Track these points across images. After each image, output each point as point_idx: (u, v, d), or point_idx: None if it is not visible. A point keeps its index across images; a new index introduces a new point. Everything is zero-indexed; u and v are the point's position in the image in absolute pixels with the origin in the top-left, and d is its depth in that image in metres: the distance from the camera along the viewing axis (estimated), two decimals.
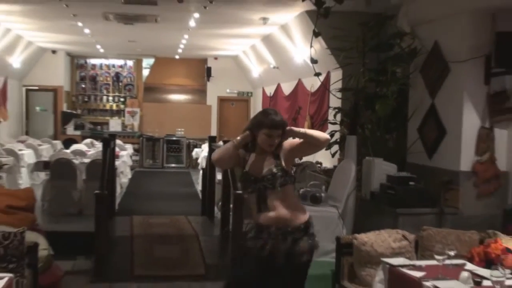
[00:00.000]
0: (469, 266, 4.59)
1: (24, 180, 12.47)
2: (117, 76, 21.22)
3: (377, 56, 7.64)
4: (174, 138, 18.88)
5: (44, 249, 5.59)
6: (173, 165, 18.67)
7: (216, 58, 20.15)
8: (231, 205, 7.33)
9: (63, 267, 6.38)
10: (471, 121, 6.24)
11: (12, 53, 16.14)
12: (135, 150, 18.41)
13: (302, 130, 4.22)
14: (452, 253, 4.36)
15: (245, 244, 4.20)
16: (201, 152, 15.37)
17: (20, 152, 12.81)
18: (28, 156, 13.31)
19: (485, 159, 6.20)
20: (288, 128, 4.14)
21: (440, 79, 6.61)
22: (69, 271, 6.66)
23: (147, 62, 21.25)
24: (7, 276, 4.12)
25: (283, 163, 4.14)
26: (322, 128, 11.17)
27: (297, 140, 4.23)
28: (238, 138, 4.15)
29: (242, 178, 4.20)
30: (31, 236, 5.25)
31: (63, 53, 19.64)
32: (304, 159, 9.58)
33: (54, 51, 19.21)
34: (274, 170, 4.08)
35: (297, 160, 8.77)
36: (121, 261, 7.07)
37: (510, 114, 6.18)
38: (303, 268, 4.28)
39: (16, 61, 16.78)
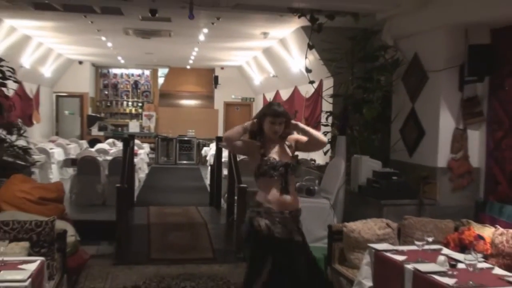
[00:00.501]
0: (445, 250, 4.58)
1: (54, 175, 12.47)
2: (136, 83, 21.20)
3: (364, 66, 7.63)
4: (186, 138, 18.85)
5: (72, 235, 5.59)
6: (184, 162, 18.63)
7: (222, 68, 20.14)
8: (236, 197, 7.31)
9: (88, 251, 6.38)
10: (447, 123, 6.22)
11: (44, 64, 16.13)
12: (151, 148, 18.41)
13: (306, 127, 4.24)
14: (430, 239, 4.36)
15: (255, 225, 4.13)
16: (210, 151, 15.33)
17: (51, 151, 12.81)
18: (58, 154, 13.30)
19: (459, 157, 6.18)
20: (294, 122, 4.20)
21: (419, 86, 6.59)
22: (93, 254, 6.65)
23: (162, 72, 21.25)
24: (39, 259, 4.12)
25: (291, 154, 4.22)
26: (316, 129, 11.14)
27: (303, 138, 4.28)
28: (246, 124, 4.23)
29: (263, 164, 4.14)
30: (60, 224, 5.24)
31: (89, 63, 19.63)
32: (300, 156, 9.55)
33: (80, 62, 19.21)
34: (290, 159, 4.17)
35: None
36: (139, 246, 7.06)
37: (481, 117, 6.17)
38: (302, 248, 4.27)
39: (47, 70, 16.77)
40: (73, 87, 19.27)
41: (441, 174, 6.23)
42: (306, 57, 7.78)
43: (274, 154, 4.18)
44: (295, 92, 14.02)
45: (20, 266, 3.87)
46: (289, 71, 13.40)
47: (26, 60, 13.89)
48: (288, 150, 4.25)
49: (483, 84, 6.12)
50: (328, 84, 9.42)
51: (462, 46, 6.07)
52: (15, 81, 8.49)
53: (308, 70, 7.70)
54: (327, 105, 9.29)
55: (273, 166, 4.12)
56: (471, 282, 3.66)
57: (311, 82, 8.04)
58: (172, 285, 5.68)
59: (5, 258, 3.95)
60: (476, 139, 6.25)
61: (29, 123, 14.99)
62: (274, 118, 4.11)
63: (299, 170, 4.27)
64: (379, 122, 7.47)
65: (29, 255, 4.42)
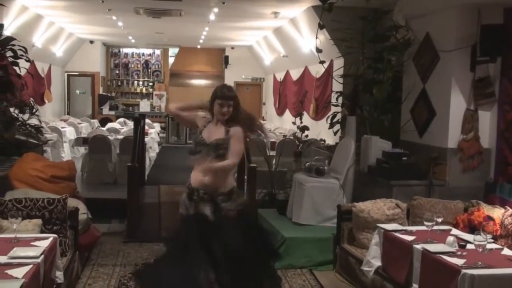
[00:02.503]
0: (455, 231, 4.57)
1: (66, 154, 12.55)
2: (147, 63, 21.18)
3: (375, 46, 7.55)
4: None
5: (83, 213, 5.63)
6: (192, 141, 18.62)
7: (233, 48, 20.04)
8: (245, 176, 7.31)
9: (100, 229, 6.43)
10: (458, 104, 6.16)
11: (55, 43, 16.13)
12: (162, 128, 18.43)
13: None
14: (439, 220, 4.34)
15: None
16: None
17: (62, 130, 12.86)
18: (70, 133, 13.37)
19: (469, 138, 6.13)
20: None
21: (430, 66, 6.52)
22: (105, 232, 6.71)
23: (173, 51, 21.19)
24: (52, 236, 4.16)
25: (227, 140, 4.10)
26: (326, 110, 11.09)
27: (236, 140, 4.13)
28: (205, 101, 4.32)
29: (196, 141, 4.22)
30: (72, 202, 5.29)
31: (100, 43, 19.60)
32: (310, 136, 9.53)
33: (91, 41, 19.19)
34: (220, 141, 4.09)
35: (303, 137, 8.73)
36: (150, 224, 7.10)
37: (492, 98, 6.10)
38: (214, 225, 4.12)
39: (59, 50, 16.77)
40: (84, 67, 19.29)
41: (451, 155, 6.19)
42: (316, 37, 7.70)
43: (206, 133, 4.18)
44: (306, 72, 13.93)
45: (33, 243, 3.91)
46: (299, 51, 13.31)
47: (38, 39, 13.88)
48: (223, 131, 4.15)
49: (495, 65, 6.04)
50: (339, 64, 9.34)
51: (474, 26, 5.98)
52: (27, 60, 8.48)
53: (319, 50, 7.62)
54: (337, 85, 9.23)
55: (196, 143, 4.19)
56: (480, 263, 3.66)
57: (322, 62, 7.97)
58: None
59: (18, 235, 3.99)
60: (487, 120, 6.19)
61: (41, 102, 15.04)
62: (223, 101, 4.12)
63: (215, 153, 4.09)
64: (389, 103, 7.42)
65: (42, 232, 4.47)
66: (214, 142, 4.08)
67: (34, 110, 8.52)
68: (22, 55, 8.21)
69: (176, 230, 4.31)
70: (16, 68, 8.14)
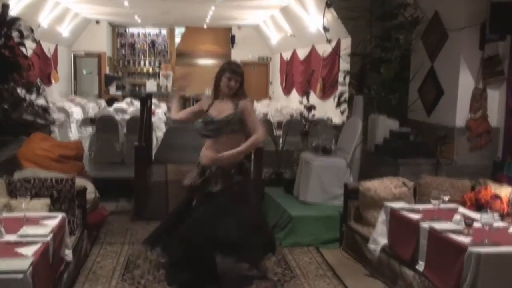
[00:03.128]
0: (462, 209, 4.57)
1: (74, 134, 12.59)
2: (153, 43, 21.12)
3: (383, 25, 7.47)
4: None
5: (91, 192, 5.66)
6: (201, 121, 18.65)
7: (239, 27, 19.94)
8: (252, 155, 7.32)
9: (107, 208, 6.48)
10: (466, 82, 6.11)
11: (61, 23, 16.09)
12: (168, 108, 18.43)
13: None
14: (446, 198, 4.34)
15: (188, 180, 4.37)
16: None
17: (69, 110, 12.89)
18: (77, 113, 13.39)
19: (478, 116, 6.10)
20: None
21: (439, 45, 6.46)
22: (112, 211, 6.76)
23: (179, 31, 21.11)
24: (60, 215, 4.19)
25: (238, 114, 4.24)
26: (333, 89, 11.04)
27: (250, 111, 4.34)
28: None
29: (205, 120, 4.33)
30: (80, 182, 5.32)
31: (106, 23, 19.55)
32: (317, 115, 9.51)
33: (97, 22, 19.14)
34: (230, 117, 4.23)
35: (310, 117, 8.70)
36: (157, 203, 7.12)
37: (501, 76, 6.05)
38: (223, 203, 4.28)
39: (65, 30, 16.74)
40: (91, 47, 19.27)
41: (459, 133, 6.16)
42: (324, 16, 7.65)
43: (214, 111, 4.31)
44: (313, 51, 13.86)
45: (41, 222, 3.94)
46: (306, 30, 13.22)
47: (44, 19, 13.84)
48: (232, 107, 4.27)
49: (504, 43, 5.98)
50: (346, 43, 9.29)
51: (484, 4, 5.90)
52: (33, 41, 8.47)
53: (326, 29, 7.58)
54: (344, 65, 9.18)
55: (205, 123, 4.31)
56: (486, 241, 3.66)
57: (329, 41, 7.93)
58: None
59: (27, 214, 4.02)
60: (495, 98, 6.15)
61: (48, 82, 15.06)
62: (231, 75, 4.27)
63: (232, 127, 4.23)
64: (397, 82, 7.37)
65: (50, 211, 4.49)
66: (224, 119, 4.21)
67: (41, 91, 8.53)
68: (28, 36, 8.19)
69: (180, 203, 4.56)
70: (22, 48, 8.14)
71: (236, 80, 4.27)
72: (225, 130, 4.21)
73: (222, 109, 4.27)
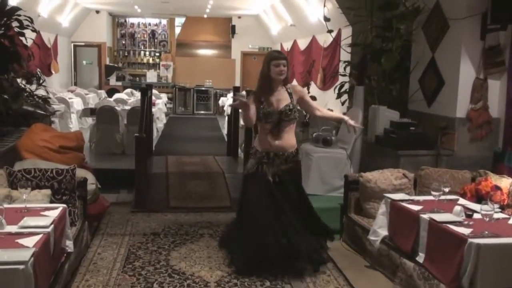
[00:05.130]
0: (462, 201, 4.58)
1: (74, 124, 12.59)
2: (153, 33, 21.05)
3: (384, 14, 7.44)
4: (203, 88, 18.82)
5: (92, 183, 5.67)
6: (202, 112, 18.67)
7: (239, 17, 19.86)
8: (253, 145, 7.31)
9: (108, 199, 6.48)
10: (467, 73, 6.10)
11: (61, 13, 16.03)
12: (169, 98, 18.44)
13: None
14: (446, 189, 4.35)
15: (247, 167, 4.79)
16: (227, 101, 15.30)
17: (70, 100, 12.88)
18: (77, 104, 13.38)
19: (478, 107, 6.09)
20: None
21: (440, 35, 6.44)
22: (113, 202, 6.77)
23: (179, 21, 21.02)
24: (61, 206, 4.21)
25: (294, 102, 4.66)
26: (333, 79, 11.02)
27: (307, 99, 4.82)
28: (242, 111, 4.69)
29: (265, 112, 4.59)
30: (81, 173, 5.32)
31: (106, 13, 19.47)
32: None
33: (97, 11, 19.07)
34: (290, 106, 4.60)
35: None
36: (158, 194, 7.15)
37: (503, 67, 6.03)
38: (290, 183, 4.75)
39: (65, 20, 16.68)
40: (91, 37, 19.21)
41: (459, 124, 6.16)
42: (324, 5, 7.62)
43: (274, 103, 4.58)
44: (313, 41, 13.81)
45: (42, 213, 3.96)
46: (307, 20, 13.17)
47: (43, 9, 13.79)
48: (287, 96, 4.65)
49: (506, 33, 5.95)
50: (347, 34, 9.24)
51: None
52: (33, 31, 8.43)
53: (327, 19, 7.55)
54: (345, 55, 9.15)
55: (266, 114, 4.57)
56: (486, 232, 3.67)
57: (329, 31, 7.89)
58: (190, 232, 5.78)
59: (28, 205, 4.04)
60: (496, 89, 6.14)
61: (48, 72, 15.03)
62: (278, 61, 4.55)
63: (292, 115, 4.62)
64: (397, 72, 7.35)
65: (51, 202, 4.51)
66: (283, 109, 4.57)
67: (41, 81, 8.52)
68: (28, 26, 8.16)
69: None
70: (22, 38, 8.11)
71: (283, 64, 4.56)
72: (285, 119, 4.57)
73: (280, 100, 4.59)
